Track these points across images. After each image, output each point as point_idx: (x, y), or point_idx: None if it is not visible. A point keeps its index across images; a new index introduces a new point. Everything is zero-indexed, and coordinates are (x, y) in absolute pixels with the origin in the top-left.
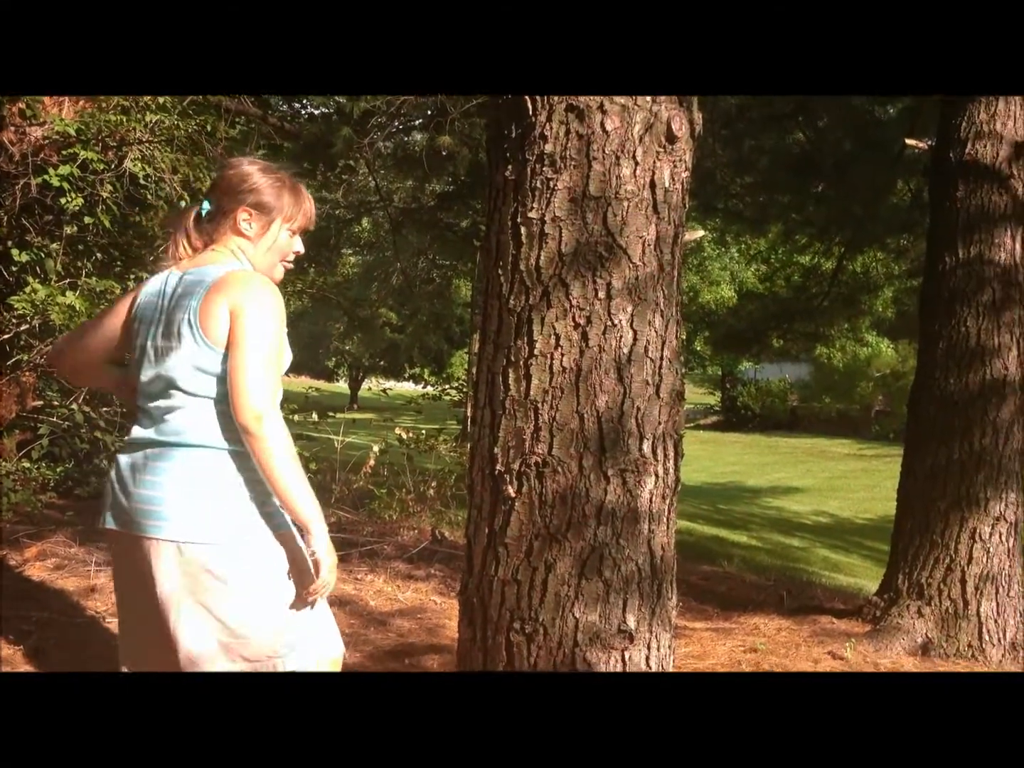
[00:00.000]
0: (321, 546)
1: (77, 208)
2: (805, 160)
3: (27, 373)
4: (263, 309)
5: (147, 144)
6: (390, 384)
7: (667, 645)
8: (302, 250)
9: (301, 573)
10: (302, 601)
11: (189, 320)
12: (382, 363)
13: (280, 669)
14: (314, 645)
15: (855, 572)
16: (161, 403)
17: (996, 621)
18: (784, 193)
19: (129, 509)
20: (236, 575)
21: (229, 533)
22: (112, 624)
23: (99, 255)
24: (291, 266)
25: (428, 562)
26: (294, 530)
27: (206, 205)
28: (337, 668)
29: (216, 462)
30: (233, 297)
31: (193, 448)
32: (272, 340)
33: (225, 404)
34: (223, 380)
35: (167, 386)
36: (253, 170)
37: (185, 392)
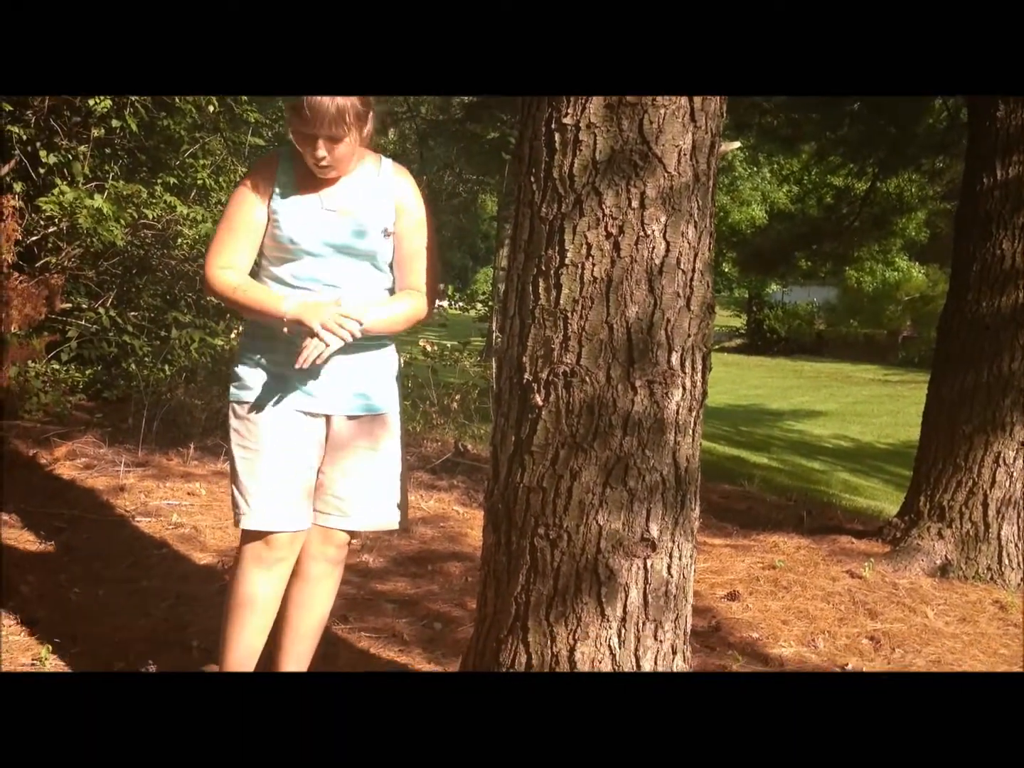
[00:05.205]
0: (291, 314)
1: (105, 110)
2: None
3: (55, 275)
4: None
5: None
6: None
7: (689, 555)
8: (310, 161)
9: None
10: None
11: None
12: None
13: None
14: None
15: (875, 496)
16: None
17: (1016, 545)
18: (816, 111)
19: None
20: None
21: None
22: (141, 523)
23: (126, 158)
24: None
25: (451, 473)
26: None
27: None
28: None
29: None
30: None
31: None
32: (229, 208)
33: None
34: None
35: None
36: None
37: None
